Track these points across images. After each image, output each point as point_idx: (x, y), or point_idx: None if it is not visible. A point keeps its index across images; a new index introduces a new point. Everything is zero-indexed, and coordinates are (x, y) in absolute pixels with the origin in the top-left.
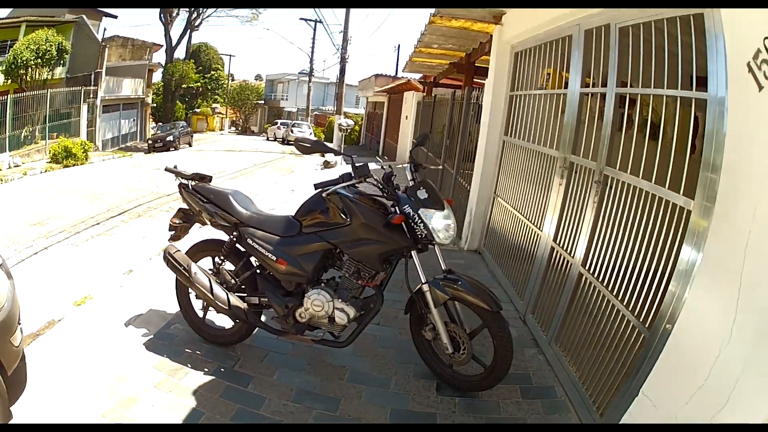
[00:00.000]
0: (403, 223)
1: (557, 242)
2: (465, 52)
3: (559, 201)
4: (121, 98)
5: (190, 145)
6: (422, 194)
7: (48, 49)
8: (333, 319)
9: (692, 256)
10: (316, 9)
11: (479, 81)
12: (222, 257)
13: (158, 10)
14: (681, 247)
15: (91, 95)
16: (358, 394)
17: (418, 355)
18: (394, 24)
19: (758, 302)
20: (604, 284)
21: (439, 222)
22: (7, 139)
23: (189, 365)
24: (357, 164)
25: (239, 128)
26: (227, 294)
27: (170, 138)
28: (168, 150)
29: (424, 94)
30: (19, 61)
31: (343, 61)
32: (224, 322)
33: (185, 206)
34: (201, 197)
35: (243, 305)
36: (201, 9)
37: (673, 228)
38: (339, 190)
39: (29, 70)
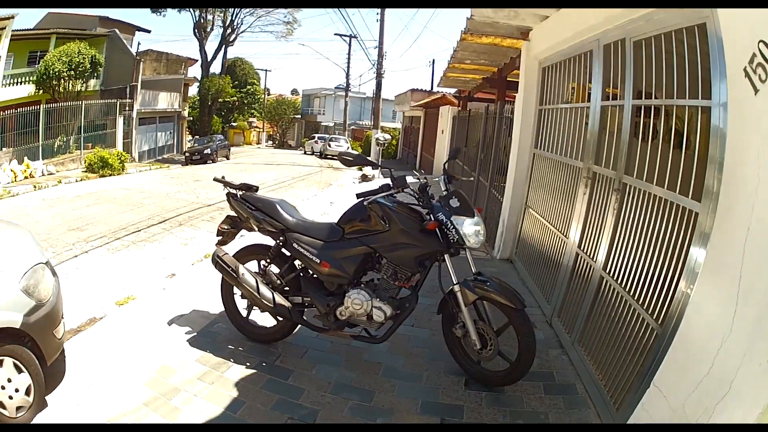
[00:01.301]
0: (437, 229)
1: (581, 248)
2: (497, 67)
3: (584, 209)
4: (157, 111)
5: (228, 158)
6: (454, 203)
7: (81, 61)
8: (371, 316)
9: (699, 256)
10: (350, 23)
11: (511, 95)
12: (268, 260)
13: (192, 25)
14: (689, 247)
15: (127, 108)
16: (391, 388)
17: (448, 354)
18: (428, 39)
19: (757, 295)
20: (623, 286)
21: (469, 228)
22: (41, 147)
23: (231, 360)
24: (395, 176)
25: (276, 142)
26: (273, 293)
27: (208, 151)
28: (205, 163)
29: (459, 108)
30: (51, 72)
31: (378, 76)
32: (266, 321)
33: (233, 213)
34: (249, 205)
35: (287, 304)
36: (235, 25)
37: (683, 230)
38: (379, 200)
39: (62, 81)
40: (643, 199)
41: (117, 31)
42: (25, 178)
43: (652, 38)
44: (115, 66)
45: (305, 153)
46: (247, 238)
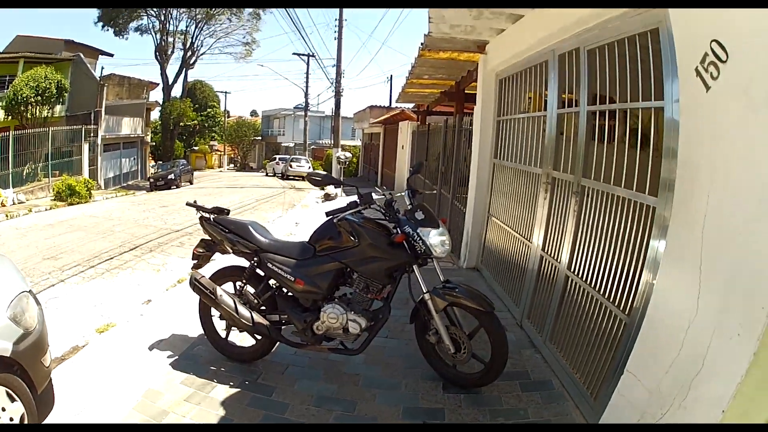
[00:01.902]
0: (404, 242)
1: (545, 251)
2: (454, 80)
3: (545, 213)
4: (121, 137)
5: (191, 183)
6: (419, 215)
7: (47, 87)
8: (347, 329)
9: (660, 246)
10: (309, 42)
11: (470, 107)
12: (244, 281)
13: (153, 48)
14: (649, 240)
15: (92, 134)
16: (372, 397)
17: (424, 361)
18: (386, 55)
19: (720, 275)
20: (588, 282)
21: (435, 238)
22: (11, 175)
23: (215, 380)
24: (362, 193)
25: (238, 165)
26: (251, 313)
27: (171, 176)
28: (170, 188)
29: (419, 123)
30: (19, 97)
31: (337, 95)
32: (245, 341)
33: (207, 237)
34: (222, 228)
35: (266, 322)
36: (196, 47)
37: (642, 225)
38: (348, 216)
39: (29, 107)
40: (601, 200)
41: (81, 55)
42: None
43: (606, 46)
44: (80, 91)
45: (267, 175)
46: (220, 260)
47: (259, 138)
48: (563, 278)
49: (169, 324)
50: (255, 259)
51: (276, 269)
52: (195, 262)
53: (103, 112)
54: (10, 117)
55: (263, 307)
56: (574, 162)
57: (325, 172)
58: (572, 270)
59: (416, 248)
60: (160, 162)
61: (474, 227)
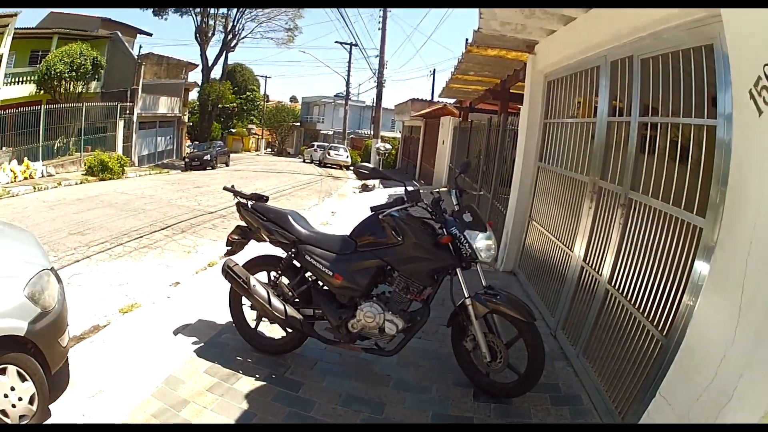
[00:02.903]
0: (449, 243)
1: (587, 262)
2: (500, 78)
3: (589, 223)
4: (158, 116)
5: (227, 165)
6: (467, 217)
7: (83, 63)
8: (383, 329)
9: (704, 270)
10: (352, 31)
11: (514, 107)
12: (279, 272)
13: (193, 30)
14: (694, 261)
15: (127, 111)
16: (401, 400)
17: (456, 367)
18: (429, 50)
19: (758, 306)
20: (628, 299)
21: (482, 242)
22: (41, 148)
23: (240, 371)
24: (409, 189)
25: (275, 149)
26: (284, 305)
27: (207, 157)
28: (205, 169)
29: (461, 119)
30: (52, 72)
31: (379, 85)
32: (275, 333)
33: (243, 223)
34: (260, 216)
35: (299, 316)
36: (237, 30)
37: (688, 245)
38: (393, 213)
39: (63, 82)
40: (648, 214)
41: (119, 33)
42: (25, 178)
43: (660, 57)
44: (116, 69)
45: (304, 161)
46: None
47: (298, 124)
48: (603, 292)
49: (197, 308)
50: (293, 250)
51: (314, 262)
52: (228, 248)
53: (139, 90)
54: (42, 91)
55: (297, 300)
56: (622, 173)
57: (372, 165)
58: (613, 284)
59: (461, 251)
60: (197, 142)
61: (514, 230)
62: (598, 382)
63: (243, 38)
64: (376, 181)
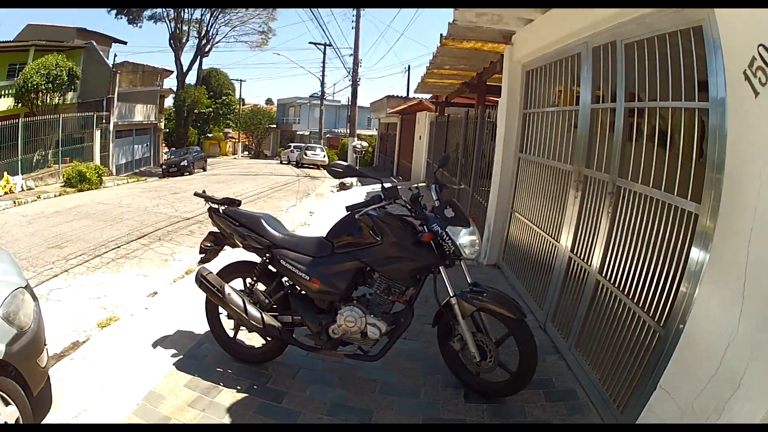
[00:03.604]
0: (431, 241)
1: (574, 252)
2: (476, 71)
3: (575, 213)
4: (134, 124)
5: (204, 170)
6: (449, 213)
7: (58, 74)
8: (365, 333)
9: (701, 257)
10: (326, 31)
11: (491, 99)
12: (254, 278)
13: (168, 36)
14: (690, 249)
15: (104, 120)
16: (389, 405)
17: (444, 367)
18: (404, 46)
19: (762, 292)
20: (621, 289)
21: (465, 238)
22: (20, 161)
23: (221, 383)
24: (387, 186)
25: (252, 152)
26: (261, 313)
27: (184, 163)
28: (182, 174)
29: (437, 114)
30: (29, 85)
31: (354, 84)
32: (254, 341)
33: (215, 230)
34: (232, 221)
35: (277, 323)
36: (211, 35)
37: (682, 232)
38: (370, 212)
39: (40, 94)
40: (639, 202)
41: (94, 42)
42: (5, 193)
43: (645, 41)
44: (92, 78)
45: (281, 162)
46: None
47: (274, 126)
48: (593, 283)
49: (175, 319)
50: (267, 255)
51: (290, 266)
52: (202, 256)
53: (115, 99)
54: (20, 104)
55: (275, 307)
56: (609, 160)
57: (346, 163)
58: (604, 275)
59: (444, 248)
60: (174, 148)
61: (496, 223)
62: (593, 375)
63: (217, 43)
64: (354, 180)
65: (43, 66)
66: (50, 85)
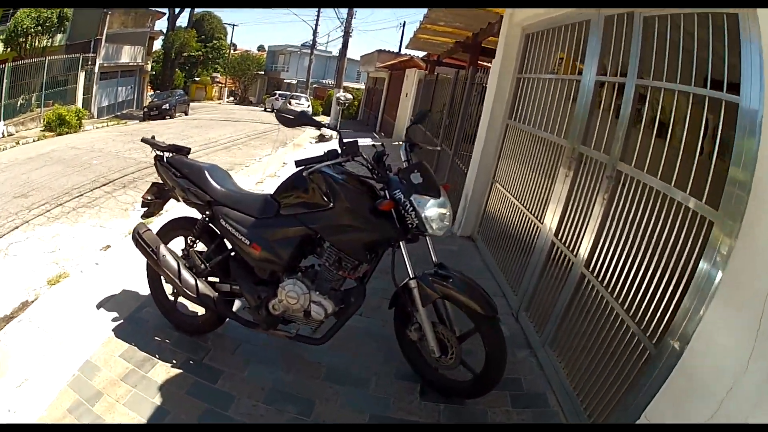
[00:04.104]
0: (392, 210)
1: (559, 237)
2: (472, 31)
3: (564, 193)
4: (120, 65)
5: (186, 114)
6: (416, 178)
7: (48, 16)
8: (309, 313)
9: (712, 273)
10: None
11: (484, 63)
12: (193, 238)
13: None
14: (699, 260)
15: (90, 62)
16: (334, 396)
17: (401, 354)
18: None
19: None
20: (609, 289)
21: (433, 211)
22: (2, 107)
23: (157, 356)
24: (345, 141)
25: (237, 98)
26: (195, 280)
27: (166, 106)
28: (164, 118)
29: (427, 72)
30: (19, 29)
31: (346, 34)
32: (196, 308)
33: (160, 181)
34: (175, 171)
35: (212, 293)
36: None
37: (692, 238)
38: (323, 169)
39: (29, 38)
40: (642, 193)
41: None
42: None
43: (669, 16)
44: (83, 20)
45: (265, 110)
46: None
47: (262, 72)
48: (578, 276)
49: (123, 276)
50: (207, 212)
51: (229, 228)
52: (145, 209)
53: (103, 40)
54: (9, 49)
55: (211, 273)
56: (610, 141)
57: (300, 110)
58: (591, 270)
59: (407, 220)
60: (158, 91)
61: (475, 192)
62: (567, 382)
63: None
64: (334, 132)
65: (34, 9)
66: (39, 28)
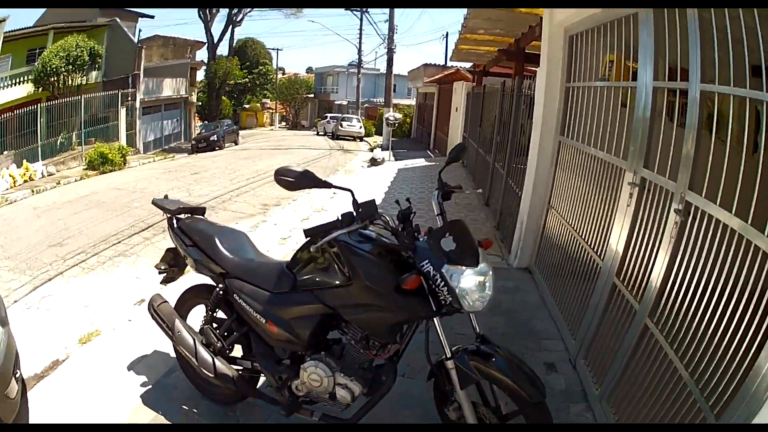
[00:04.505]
0: (423, 282)
1: (621, 279)
2: (514, 37)
3: (627, 227)
4: (162, 99)
5: (237, 144)
6: (448, 244)
7: (79, 54)
8: (335, 395)
9: None
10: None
11: (531, 69)
12: (208, 313)
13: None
14: None
15: (129, 98)
16: None
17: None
18: (440, 11)
19: None
20: (674, 347)
21: (469, 281)
22: (40, 147)
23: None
24: (359, 201)
25: (289, 123)
26: (213, 359)
27: (214, 137)
28: (213, 150)
29: (474, 84)
30: (48, 69)
31: (389, 51)
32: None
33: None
34: (185, 238)
35: (231, 372)
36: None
37: None
38: (341, 238)
39: (61, 77)
40: (716, 233)
41: (118, 19)
42: (25, 181)
43: (726, 11)
44: (118, 55)
45: (318, 134)
46: None
47: (312, 95)
48: (641, 327)
49: (155, 334)
50: (221, 285)
51: (243, 303)
52: (163, 276)
53: (141, 75)
54: (40, 89)
55: (232, 347)
56: (677, 162)
57: (302, 170)
58: (655, 321)
59: (438, 296)
60: (206, 122)
61: (530, 218)
62: None
63: (249, 12)
64: (386, 153)
65: (63, 48)
66: (70, 67)
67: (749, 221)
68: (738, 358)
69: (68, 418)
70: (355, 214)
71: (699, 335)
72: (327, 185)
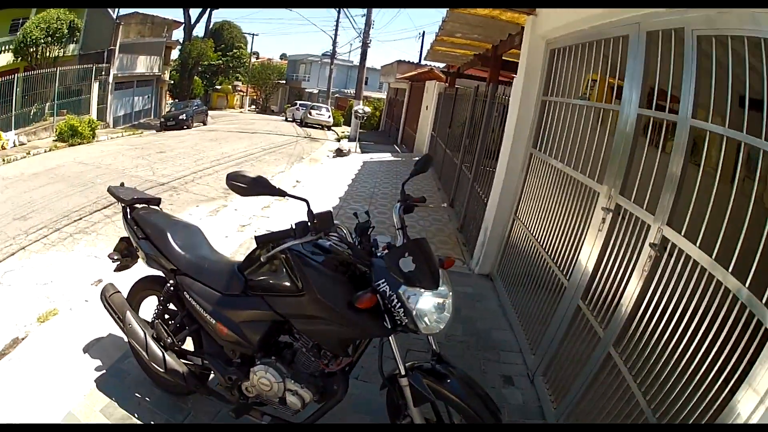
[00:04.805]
0: (379, 299)
1: (586, 302)
2: (492, 43)
3: (596, 251)
4: (135, 75)
5: (205, 124)
6: (407, 265)
7: (59, 27)
8: (285, 400)
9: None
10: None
11: (507, 75)
12: (159, 307)
13: None
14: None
15: (103, 72)
16: None
17: None
18: (419, 11)
19: None
20: (637, 381)
21: (426, 303)
22: (13, 117)
23: (136, 415)
24: (314, 211)
25: (259, 107)
26: (164, 353)
27: (183, 117)
28: (181, 128)
29: (447, 84)
30: (29, 39)
31: (364, 45)
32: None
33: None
34: (137, 230)
35: (182, 368)
36: None
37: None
38: (294, 247)
39: (39, 48)
40: (693, 275)
41: None
42: None
43: (729, 37)
44: (97, 30)
45: (286, 120)
46: None
47: (283, 81)
48: (604, 353)
49: (110, 318)
50: (171, 282)
51: (193, 302)
52: (117, 263)
53: (116, 50)
54: (20, 59)
55: (182, 343)
56: (656, 193)
57: (255, 176)
58: (619, 350)
59: (395, 316)
60: (177, 100)
61: (495, 226)
62: None
63: None
64: (353, 145)
65: (44, 20)
66: (50, 39)
67: (729, 269)
68: (707, 400)
69: (25, 401)
70: (309, 224)
71: (666, 373)
72: (281, 193)
